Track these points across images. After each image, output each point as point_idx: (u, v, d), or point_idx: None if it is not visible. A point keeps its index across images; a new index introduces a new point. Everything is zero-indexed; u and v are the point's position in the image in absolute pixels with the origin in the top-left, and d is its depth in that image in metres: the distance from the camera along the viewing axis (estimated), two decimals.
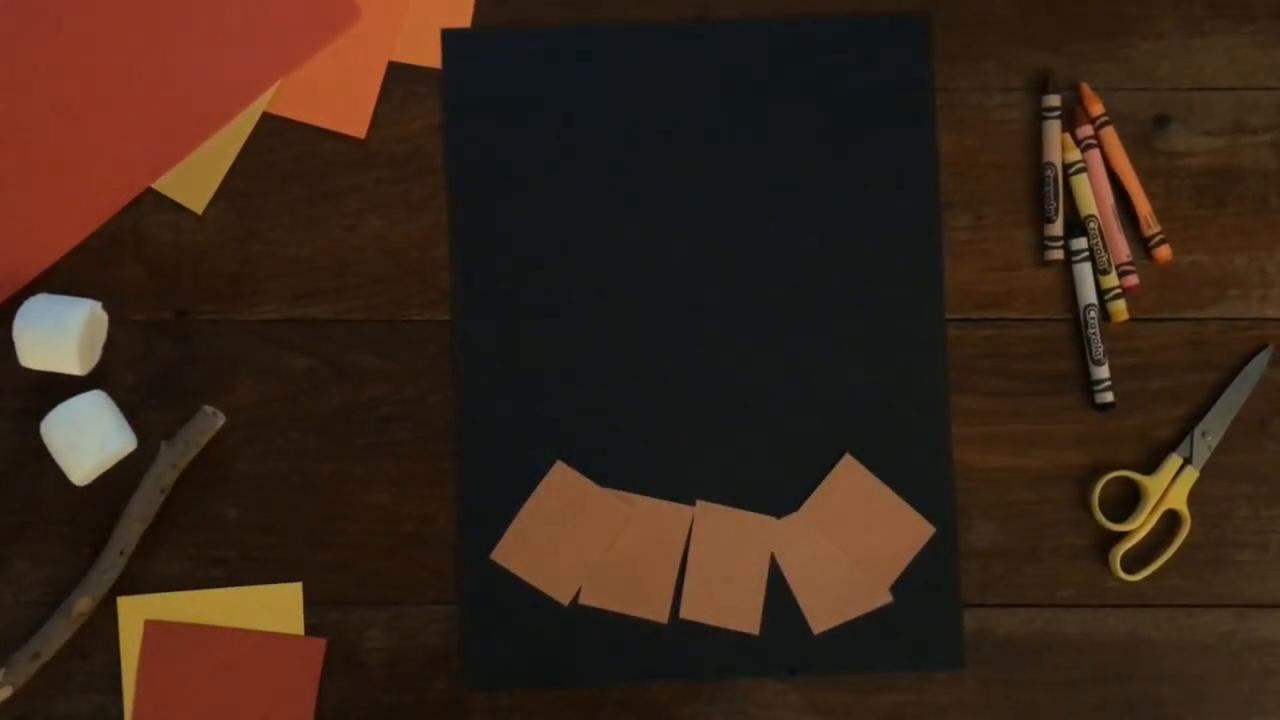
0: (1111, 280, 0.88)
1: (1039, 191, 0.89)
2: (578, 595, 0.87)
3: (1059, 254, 0.88)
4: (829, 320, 0.88)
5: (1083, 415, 0.88)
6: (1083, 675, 0.86)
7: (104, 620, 0.87)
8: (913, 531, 0.87)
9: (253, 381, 0.88)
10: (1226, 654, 0.87)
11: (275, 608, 0.87)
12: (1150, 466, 0.88)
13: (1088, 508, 0.88)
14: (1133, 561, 0.87)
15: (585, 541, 0.87)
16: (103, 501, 0.87)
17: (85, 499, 0.87)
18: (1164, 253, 0.88)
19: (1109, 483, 0.87)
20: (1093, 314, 0.88)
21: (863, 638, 0.87)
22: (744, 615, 0.87)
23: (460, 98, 0.90)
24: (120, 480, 0.87)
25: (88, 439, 0.85)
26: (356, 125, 0.89)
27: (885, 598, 0.87)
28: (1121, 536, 0.87)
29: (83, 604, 0.85)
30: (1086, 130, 0.89)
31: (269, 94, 0.89)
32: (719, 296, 0.86)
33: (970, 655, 0.87)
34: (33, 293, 0.87)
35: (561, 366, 0.88)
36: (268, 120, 0.89)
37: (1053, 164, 0.89)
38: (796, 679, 0.87)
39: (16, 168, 0.89)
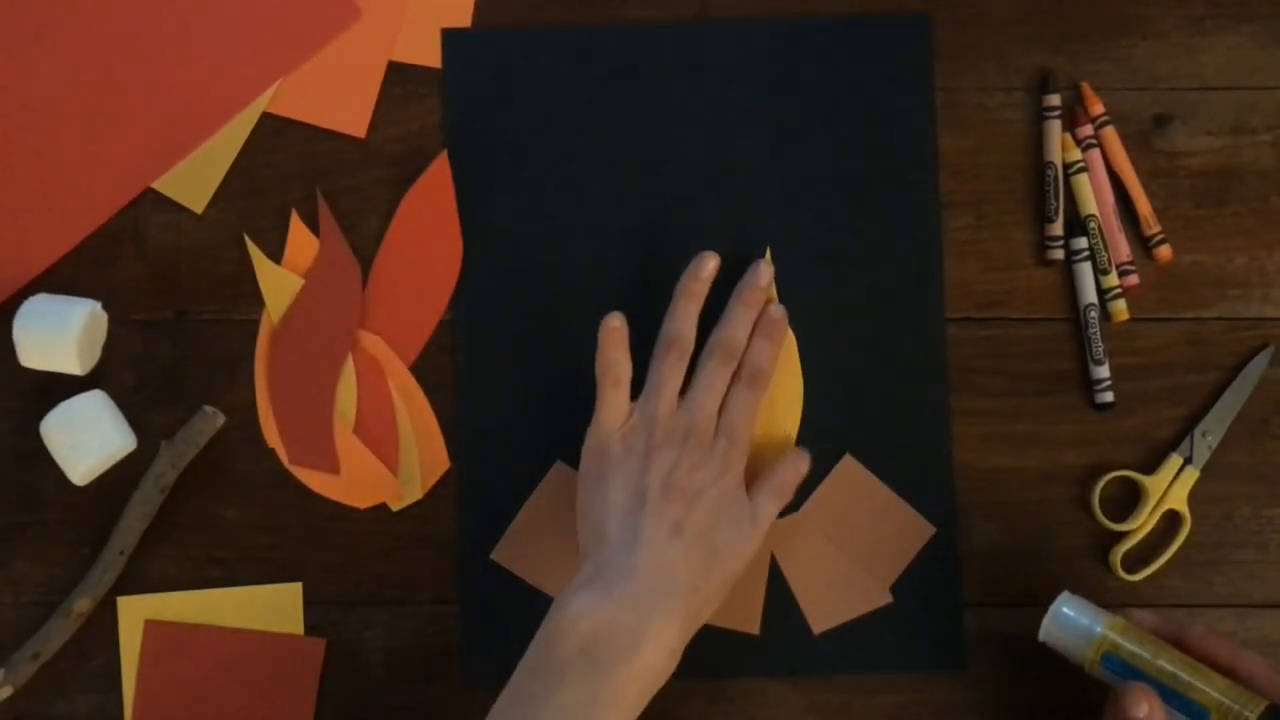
0: (1112, 280, 0.88)
1: (1039, 191, 0.89)
2: None
3: (1059, 253, 0.88)
4: (828, 320, 0.88)
5: (1083, 415, 0.88)
6: (1084, 676, 0.86)
7: (104, 620, 0.87)
8: (913, 531, 0.87)
9: (253, 381, 0.88)
10: None
11: (275, 607, 0.87)
12: (1150, 466, 0.88)
13: (1088, 508, 0.87)
14: (1133, 561, 0.87)
15: None
16: (102, 501, 0.87)
17: (85, 499, 0.87)
18: (1164, 252, 0.88)
19: (1109, 483, 0.87)
20: (1093, 314, 0.88)
21: (863, 638, 0.87)
22: (744, 615, 0.87)
23: (460, 97, 0.89)
24: (120, 480, 0.86)
25: (87, 439, 0.85)
26: (356, 125, 0.89)
27: (885, 598, 0.87)
28: (1122, 536, 0.87)
29: (82, 604, 0.85)
30: (1087, 130, 0.89)
31: (269, 94, 0.89)
32: (719, 296, 0.86)
33: (970, 655, 0.87)
34: (32, 292, 0.87)
35: (561, 366, 0.88)
36: (267, 120, 0.89)
37: (1053, 163, 0.89)
38: (796, 679, 0.87)
39: (15, 167, 0.89)
